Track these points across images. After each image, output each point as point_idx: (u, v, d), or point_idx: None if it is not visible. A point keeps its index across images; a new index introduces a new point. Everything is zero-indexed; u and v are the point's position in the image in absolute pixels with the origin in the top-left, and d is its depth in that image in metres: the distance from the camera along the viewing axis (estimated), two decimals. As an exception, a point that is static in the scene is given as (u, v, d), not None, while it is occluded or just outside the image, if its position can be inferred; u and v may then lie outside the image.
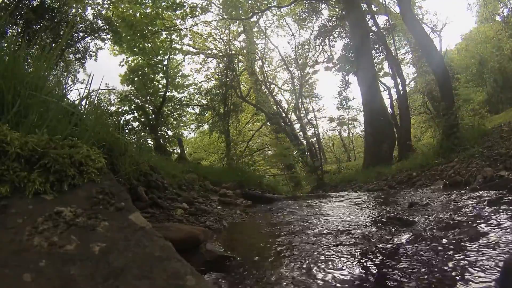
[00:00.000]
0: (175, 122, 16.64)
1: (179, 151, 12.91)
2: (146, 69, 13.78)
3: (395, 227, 2.22)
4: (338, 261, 1.63)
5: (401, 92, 13.16)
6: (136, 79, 13.65)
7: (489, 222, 2.00)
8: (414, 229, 2.11)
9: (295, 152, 13.67)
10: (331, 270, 1.50)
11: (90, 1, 12.09)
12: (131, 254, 0.98)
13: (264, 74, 17.86)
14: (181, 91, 16.34)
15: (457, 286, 1.22)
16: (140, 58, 13.71)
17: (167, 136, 15.30)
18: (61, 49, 11.64)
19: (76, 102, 1.95)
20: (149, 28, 12.09)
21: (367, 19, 12.72)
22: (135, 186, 2.66)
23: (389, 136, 10.64)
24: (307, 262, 1.64)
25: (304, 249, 1.87)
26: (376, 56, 13.66)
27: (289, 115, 17.54)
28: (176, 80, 15.96)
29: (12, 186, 1.12)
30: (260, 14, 14.81)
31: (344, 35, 14.96)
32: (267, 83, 17.99)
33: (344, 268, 1.53)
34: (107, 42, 13.61)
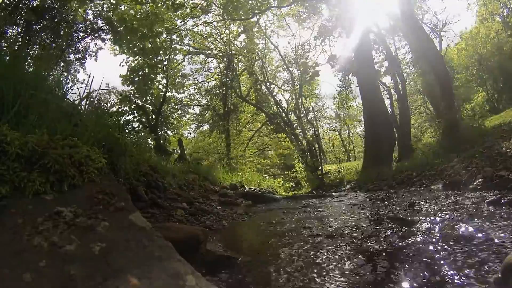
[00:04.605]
0: (175, 122, 16.65)
1: (179, 151, 12.90)
2: (146, 69, 13.77)
3: (395, 227, 2.22)
4: (337, 261, 1.63)
5: (401, 92, 13.16)
6: (136, 79, 13.65)
7: (489, 222, 2.00)
8: (413, 228, 2.11)
9: (295, 152, 13.67)
10: (330, 271, 1.50)
11: (91, 5, 12.06)
12: (131, 254, 0.98)
13: (264, 74, 17.84)
14: (181, 91, 16.36)
15: (457, 285, 1.22)
16: (140, 59, 13.71)
17: (167, 136, 15.31)
18: (61, 49, 11.65)
19: (76, 102, 1.96)
20: (150, 28, 12.06)
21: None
22: (135, 186, 2.66)
23: (389, 136, 10.62)
24: (307, 262, 1.64)
25: (304, 250, 1.87)
26: (376, 56, 13.65)
27: (289, 115, 17.51)
28: (177, 80, 15.97)
29: (12, 186, 1.12)
30: (260, 14, 14.78)
31: (344, 35, 14.97)
32: (267, 83, 17.97)
33: (343, 268, 1.53)
34: (107, 42, 13.64)
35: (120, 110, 12.57)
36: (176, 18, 13.29)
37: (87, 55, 13.78)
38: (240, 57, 16.80)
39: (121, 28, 11.77)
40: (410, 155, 9.79)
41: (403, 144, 11.75)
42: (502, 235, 1.73)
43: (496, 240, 1.65)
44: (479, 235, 1.76)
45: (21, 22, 10.58)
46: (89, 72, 14.29)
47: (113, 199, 1.26)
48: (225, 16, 14.45)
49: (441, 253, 1.58)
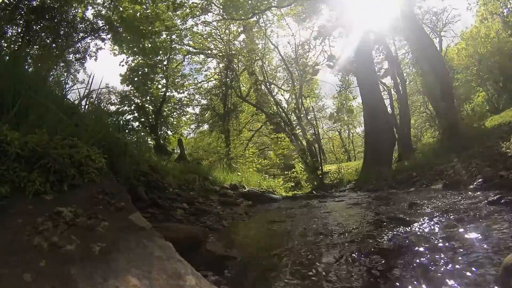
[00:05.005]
0: (175, 122, 16.66)
1: (179, 151, 12.92)
2: (146, 69, 13.78)
3: (394, 227, 2.22)
4: (336, 261, 1.63)
5: (401, 92, 13.17)
6: (136, 79, 13.66)
7: (489, 222, 2.00)
8: (413, 229, 2.11)
9: (295, 152, 13.67)
10: (329, 270, 1.50)
11: (90, 1, 12.05)
12: (131, 254, 0.98)
13: (264, 74, 17.84)
14: (181, 91, 16.38)
15: (457, 285, 1.22)
16: (140, 58, 13.71)
17: (167, 136, 15.33)
18: (61, 49, 11.65)
19: (76, 102, 1.96)
20: (150, 28, 12.07)
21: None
22: (135, 186, 2.66)
23: (389, 136, 10.62)
24: (306, 262, 1.64)
25: (303, 249, 1.87)
26: (376, 56, 13.67)
27: (289, 115, 17.51)
28: (176, 80, 15.97)
29: (12, 186, 1.12)
30: (260, 14, 14.77)
31: (344, 35, 14.98)
32: (267, 83, 17.97)
33: (342, 268, 1.53)
34: (107, 42, 13.64)
35: (120, 110, 12.59)
36: (175, 17, 13.29)
37: (87, 55, 13.77)
38: (240, 57, 16.79)
39: (121, 28, 11.79)
40: (410, 155, 9.79)
41: (403, 144, 11.76)
42: (502, 235, 1.73)
43: (496, 240, 1.65)
44: (479, 235, 1.76)
45: (21, 22, 10.58)
46: (89, 72, 14.29)
47: (113, 199, 1.26)
48: (225, 16, 14.45)
49: (441, 253, 1.58)
